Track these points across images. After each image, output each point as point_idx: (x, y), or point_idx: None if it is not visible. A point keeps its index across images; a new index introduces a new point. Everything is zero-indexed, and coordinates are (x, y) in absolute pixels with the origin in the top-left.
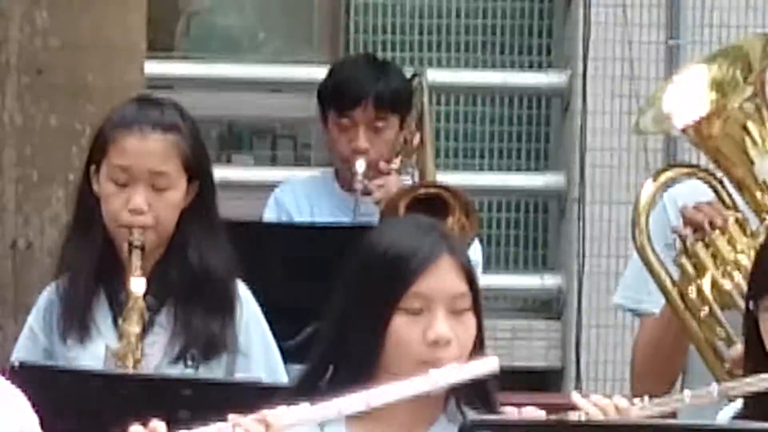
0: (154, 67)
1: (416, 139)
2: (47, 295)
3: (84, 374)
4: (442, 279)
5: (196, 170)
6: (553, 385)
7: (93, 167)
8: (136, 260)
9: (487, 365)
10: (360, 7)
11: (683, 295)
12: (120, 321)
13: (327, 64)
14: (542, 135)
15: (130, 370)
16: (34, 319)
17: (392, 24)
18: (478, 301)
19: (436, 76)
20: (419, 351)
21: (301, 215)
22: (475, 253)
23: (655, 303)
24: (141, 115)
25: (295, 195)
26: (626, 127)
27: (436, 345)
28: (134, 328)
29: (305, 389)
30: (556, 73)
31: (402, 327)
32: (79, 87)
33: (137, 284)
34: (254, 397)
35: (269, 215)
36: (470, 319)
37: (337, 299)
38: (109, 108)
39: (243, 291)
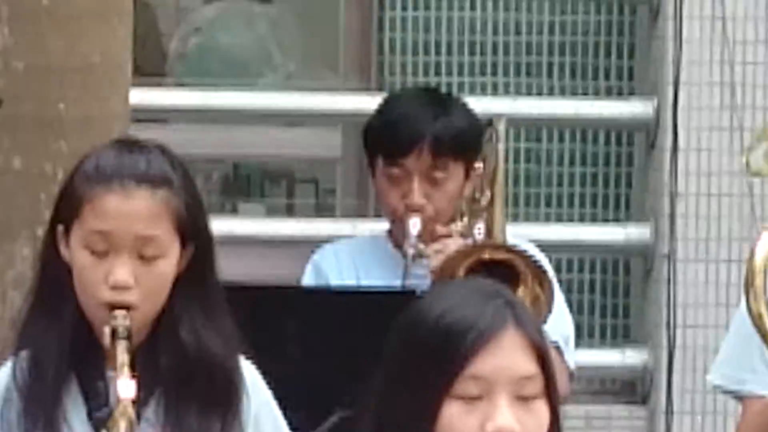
0: (141, 96)
1: (486, 196)
2: (2, 381)
3: None
4: (505, 358)
5: (192, 231)
6: None
7: (61, 228)
8: (122, 356)
9: None
10: (396, 21)
11: None
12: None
13: (355, 92)
14: (623, 177)
15: None
16: None
17: (435, 42)
18: (552, 385)
19: (490, 106)
20: None
21: (345, 283)
22: (564, 325)
23: (762, 383)
24: (122, 166)
25: (337, 259)
26: (727, 167)
27: None
28: None
29: None
30: (640, 102)
31: (455, 417)
32: (49, 120)
33: (126, 387)
34: None
35: (306, 285)
36: (541, 408)
37: (375, 382)
38: (87, 146)
39: (250, 374)
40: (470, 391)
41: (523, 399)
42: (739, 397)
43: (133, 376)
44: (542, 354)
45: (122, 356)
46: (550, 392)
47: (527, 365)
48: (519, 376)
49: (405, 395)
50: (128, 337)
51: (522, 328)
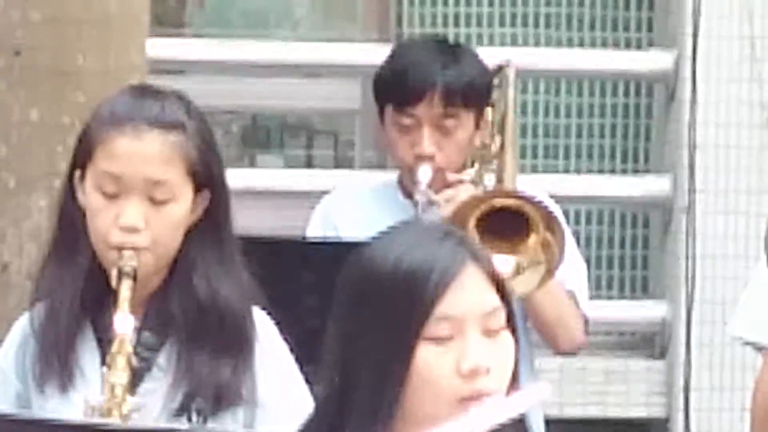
0: (160, 48)
1: (496, 144)
2: (20, 329)
3: (63, 426)
4: (470, 295)
5: (205, 178)
6: None
7: (78, 173)
8: (125, 292)
9: (539, 393)
10: None
11: None
12: (104, 370)
13: (374, 43)
14: (642, 130)
15: (119, 422)
16: (3, 358)
17: None
18: (513, 315)
19: (510, 57)
20: (454, 386)
21: (354, 230)
22: (577, 274)
23: None
24: (135, 109)
25: (346, 205)
26: (745, 119)
27: (474, 376)
28: (119, 378)
29: None
30: (659, 54)
31: (429, 360)
32: (66, 72)
33: (123, 322)
34: None
35: (313, 231)
36: (508, 339)
37: (338, 330)
38: (104, 98)
39: (266, 325)
40: (441, 332)
41: (490, 332)
42: (759, 348)
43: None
44: (501, 285)
45: (124, 293)
46: (512, 323)
47: (491, 299)
48: (485, 311)
49: (374, 344)
50: (134, 277)
51: (479, 263)
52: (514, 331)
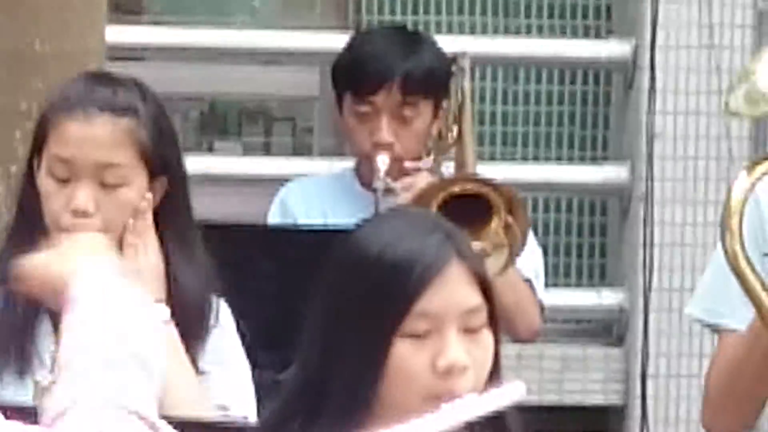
0: (118, 33)
1: (453, 134)
2: None
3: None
4: (452, 292)
5: (161, 163)
6: (613, 426)
7: (36, 159)
8: None
9: (512, 393)
10: None
11: None
12: (52, 349)
13: (333, 30)
14: (600, 118)
15: None
16: None
17: None
18: (495, 314)
19: (468, 45)
20: (429, 382)
21: (312, 220)
22: (534, 260)
23: (738, 318)
24: (87, 94)
25: (304, 196)
26: (704, 108)
27: (449, 374)
28: None
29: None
30: (617, 42)
31: (405, 355)
32: (23, 57)
33: None
34: None
35: (272, 221)
36: (487, 338)
37: (317, 319)
38: (59, 84)
39: (222, 312)
40: (419, 327)
41: (470, 331)
42: (717, 330)
43: None
44: (485, 284)
45: None
46: (494, 322)
47: (473, 297)
48: (466, 309)
49: (351, 336)
50: None
51: (464, 259)
52: (496, 331)
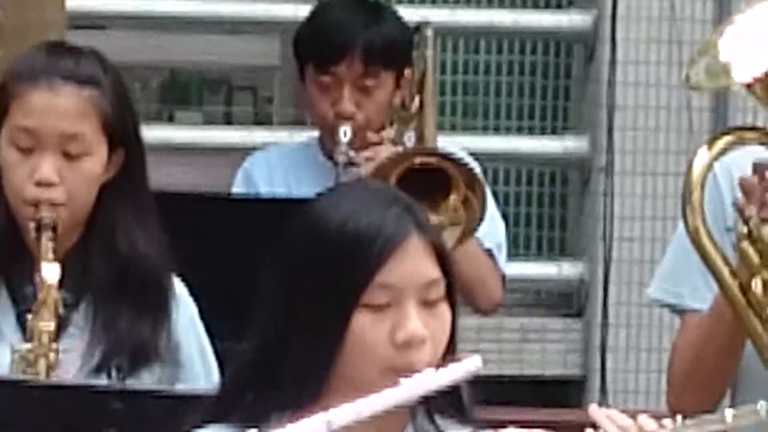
0: (79, 2)
1: (415, 104)
2: None
3: None
4: (412, 264)
5: (121, 134)
6: (573, 398)
7: None
8: (46, 243)
9: (469, 366)
10: None
11: (745, 289)
12: (29, 317)
13: (295, 1)
14: (561, 89)
15: (43, 378)
16: None
17: None
18: (453, 288)
19: (427, 15)
20: (387, 355)
21: (276, 191)
22: (496, 231)
23: (700, 298)
24: (50, 65)
25: (268, 167)
26: (665, 80)
27: (409, 346)
28: (47, 326)
29: (228, 402)
30: (578, 13)
31: (365, 326)
32: None
33: (50, 271)
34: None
35: (236, 191)
36: (445, 312)
37: (276, 290)
38: (20, 54)
39: (179, 286)
40: (379, 299)
41: (429, 304)
42: (678, 311)
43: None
44: (444, 257)
45: (46, 243)
46: (451, 295)
47: (432, 270)
48: (425, 282)
49: (311, 306)
50: (53, 229)
51: (424, 232)
52: (453, 304)
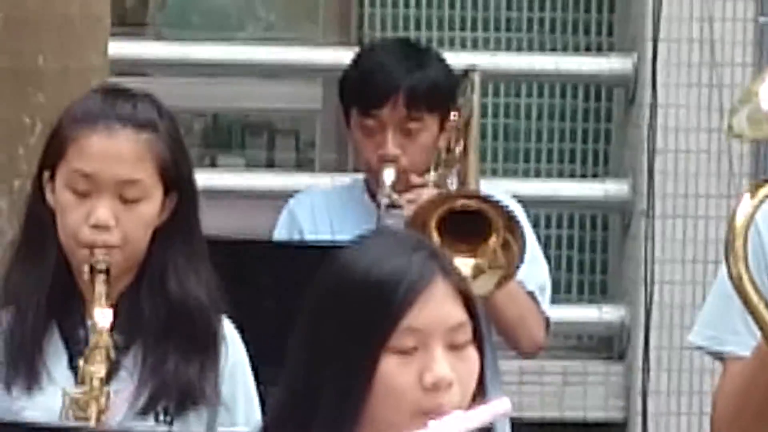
0: (121, 48)
1: (460, 147)
2: None
3: (36, 429)
4: (437, 308)
5: (175, 179)
6: None
7: (47, 173)
8: (100, 287)
9: (498, 408)
10: None
11: None
12: (80, 362)
13: (335, 45)
14: (602, 133)
15: (93, 424)
16: None
17: None
18: (480, 330)
19: (469, 60)
20: (415, 398)
21: (318, 232)
22: (539, 274)
23: (743, 344)
24: (108, 108)
25: (312, 207)
26: (705, 124)
27: (436, 389)
28: (99, 370)
29: None
30: (619, 58)
31: (392, 371)
32: (26, 72)
33: (102, 316)
34: None
35: (280, 233)
36: (472, 354)
37: (305, 336)
38: (65, 98)
39: (229, 329)
40: (406, 343)
41: (455, 347)
42: (720, 358)
43: (114, 314)
44: (469, 301)
45: (100, 287)
46: (478, 338)
47: (458, 313)
48: (451, 325)
49: (339, 352)
50: (107, 272)
51: (448, 277)
52: (480, 347)
